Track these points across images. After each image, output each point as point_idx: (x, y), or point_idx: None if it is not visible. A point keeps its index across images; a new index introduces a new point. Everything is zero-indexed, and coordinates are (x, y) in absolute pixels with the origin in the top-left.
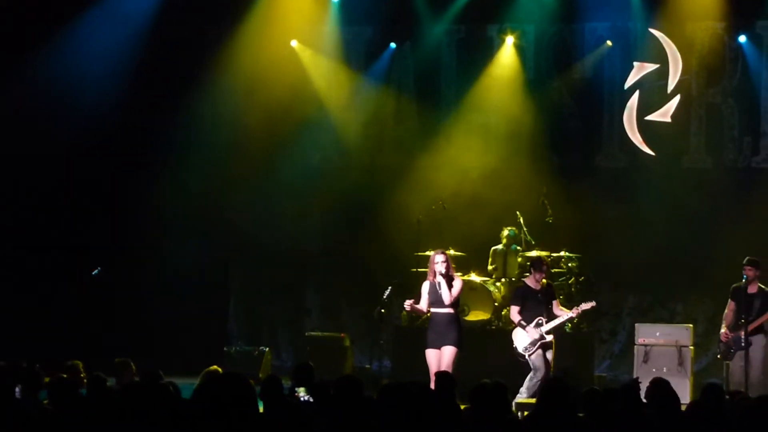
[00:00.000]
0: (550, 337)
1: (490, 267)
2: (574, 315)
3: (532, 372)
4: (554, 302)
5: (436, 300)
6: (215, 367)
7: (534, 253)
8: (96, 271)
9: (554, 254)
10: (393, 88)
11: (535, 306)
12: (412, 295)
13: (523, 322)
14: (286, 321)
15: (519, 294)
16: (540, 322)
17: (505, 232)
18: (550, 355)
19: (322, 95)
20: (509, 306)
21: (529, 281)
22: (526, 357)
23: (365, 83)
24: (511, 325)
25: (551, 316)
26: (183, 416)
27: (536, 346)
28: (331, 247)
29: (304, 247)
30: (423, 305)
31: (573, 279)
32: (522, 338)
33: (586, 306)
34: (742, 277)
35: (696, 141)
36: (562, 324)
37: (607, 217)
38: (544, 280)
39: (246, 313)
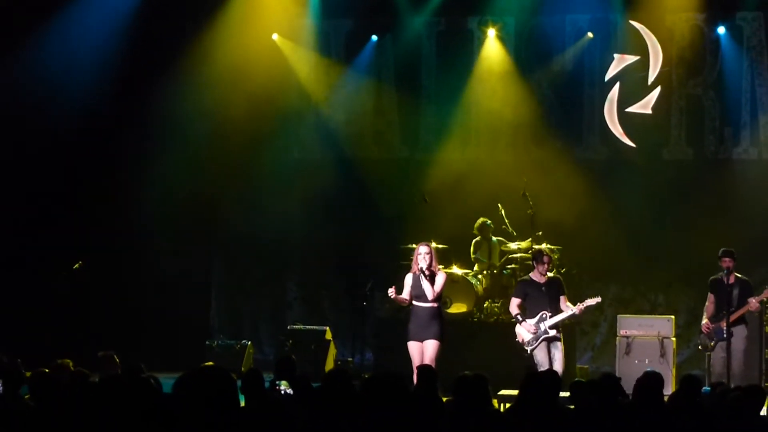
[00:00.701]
0: (553, 332)
1: (473, 256)
2: (576, 311)
3: (536, 367)
4: (562, 297)
5: (418, 293)
6: (211, 363)
7: (543, 246)
8: (77, 265)
9: (535, 246)
10: (374, 81)
11: (539, 299)
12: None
13: (519, 317)
14: (268, 314)
15: (521, 287)
16: (544, 316)
17: (477, 224)
18: (557, 351)
19: (304, 88)
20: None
21: (533, 274)
22: (528, 351)
23: (346, 76)
24: (492, 318)
25: (556, 311)
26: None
27: (539, 341)
28: (313, 240)
29: (285, 240)
30: (405, 296)
31: (554, 271)
32: (525, 332)
33: (591, 302)
34: (720, 269)
35: (676, 132)
36: (566, 320)
37: (589, 209)
38: (550, 274)
39: (228, 307)
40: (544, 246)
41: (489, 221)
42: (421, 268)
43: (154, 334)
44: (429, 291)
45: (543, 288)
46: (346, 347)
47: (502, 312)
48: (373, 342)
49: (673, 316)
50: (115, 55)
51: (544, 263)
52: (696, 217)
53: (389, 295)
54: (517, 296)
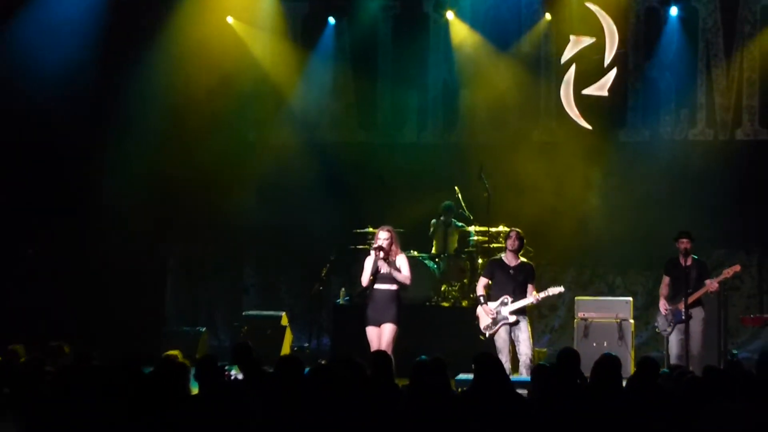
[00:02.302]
0: (513, 318)
1: (431, 234)
2: (534, 301)
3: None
4: (530, 285)
5: (380, 276)
6: (175, 351)
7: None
8: (30, 250)
9: (492, 229)
10: (331, 64)
11: (505, 283)
12: (350, 272)
13: (481, 298)
14: (223, 300)
15: (489, 267)
16: (505, 301)
17: (442, 205)
18: (521, 332)
19: (261, 71)
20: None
21: (506, 256)
22: (487, 335)
23: (304, 59)
24: (450, 302)
25: (518, 297)
26: (116, 398)
27: (498, 326)
28: (270, 225)
29: (242, 225)
30: (365, 279)
31: (525, 255)
32: (484, 315)
33: (553, 291)
34: (677, 250)
35: (633, 114)
36: (524, 307)
37: (545, 191)
38: (523, 259)
39: (183, 293)
40: (500, 228)
41: (451, 203)
42: (379, 246)
43: (108, 321)
44: (397, 273)
45: (511, 271)
46: (303, 333)
47: (460, 296)
48: (330, 327)
49: (631, 298)
50: (72, 39)
51: (510, 237)
52: (653, 199)
53: (372, 251)
54: (485, 276)
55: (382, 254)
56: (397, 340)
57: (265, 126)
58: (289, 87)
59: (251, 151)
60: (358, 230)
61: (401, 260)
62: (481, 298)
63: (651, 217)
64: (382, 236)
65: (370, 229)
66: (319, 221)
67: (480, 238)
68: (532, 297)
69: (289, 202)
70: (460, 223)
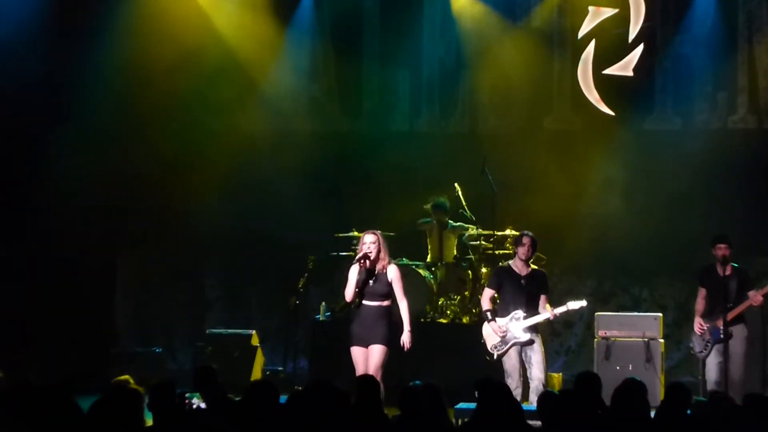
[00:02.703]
0: (526, 336)
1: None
2: (551, 317)
3: (505, 377)
4: (543, 296)
5: (368, 291)
6: (126, 376)
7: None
8: None
9: (498, 233)
10: (309, 41)
11: (515, 295)
12: (331, 283)
13: (488, 314)
14: (183, 316)
15: (496, 276)
16: (517, 316)
17: (429, 204)
18: (534, 353)
19: (225, 48)
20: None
21: (514, 263)
22: (495, 357)
23: (276, 35)
24: (448, 317)
25: (534, 311)
26: (58, 428)
27: (507, 346)
28: (236, 227)
29: (204, 226)
30: (349, 292)
31: (539, 263)
32: (492, 334)
33: (573, 306)
34: (714, 258)
35: (662, 98)
36: (539, 324)
37: (559, 188)
38: (534, 266)
39: (135, 307)
40: (507, 232)
41: (445, 200)
42: (364, 256)
43: (46, 340)
44: (382, 287)
45: (522, 281)
46: (277, 354)
47: (460, 310)
48: (309, 348)
49: (660, 314)
50: (23, 12)
51: (523, 244)
52: (686, 198)
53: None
54: (490, 287)
55: (368, 264)
56: (387, 363)
57: (232, 112)
58: (259, 67)
59: (215, 142)
60: (341, 234)
61: (392, 272)
62: (488, 313)
63: (683, 219)
64: (368, 240)
65: (355, 233)
66: (296, 224)
67: (484, 243)
68: (548, 312)
69: (259, 201)
70: (456, 223)
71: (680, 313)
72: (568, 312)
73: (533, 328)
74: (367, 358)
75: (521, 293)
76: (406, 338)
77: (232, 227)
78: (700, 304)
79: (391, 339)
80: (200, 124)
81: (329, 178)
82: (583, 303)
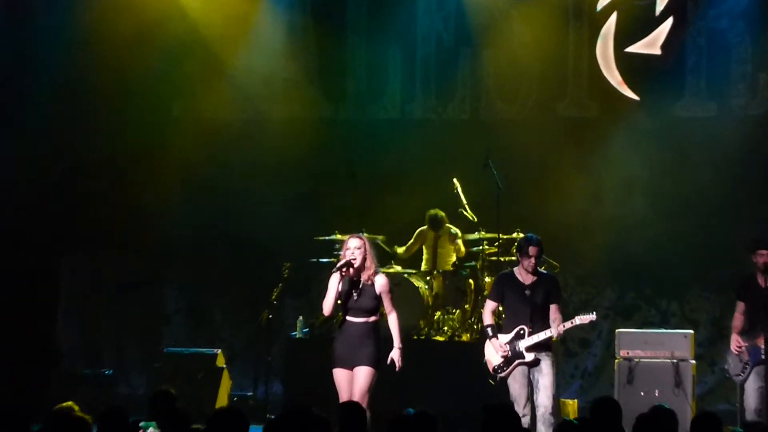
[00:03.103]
0: (531, 356)
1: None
2: (555, 334)
3: (511, 402)
4: (553, 306)
5: (352, 305)
6: (70, 402)
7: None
8: None
9: (505, 236)
10: (286, 14)
11: (520, 307)
12: (309, 295)
13: (489, 330)
14: (137, 332)
15: (498, 285)
16: (522, 332)
17: (427, 214)
18: (543, 376)
19: (189, 24)
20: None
21: (519, 270)
22: (498, 380)
23: (248, 8)
24: (445, 335)
25: (543, 325)
26: None
27: (512, 366)
28: (199, 229)
29: (163, 230)
30: (328, 305)
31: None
32: (493, 353)
33: (582, 319)
34: (755, 266)
35: (694, 80)
36: (548, 340)
37: (575, 186)
38: (542, 270)
39: (81, 320)
40: (515, 235)
41: (438, 214)
42: (347, 263)
43: None
44: (369, 302)
45: (526, 291)
46: (246, 377)
47: (459, 326)
48: (283, 369)
49: (691, 331)
50: None
51: (529, 256)
52: (722, 196)
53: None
54: (492, 299)
55: (352, 273)
56: (375, 387)
57: (195, 96)
58: (228, 44)
59: (177, 129)
60: (322, 237)
61: (380, 282)
62: (489, 330)
63: (719, 221)
64: (352, 245)
65: (338, 236)
66: (269, 225)
67: (487, 248)
68: (552, 328)
69: (227, 198)
70: (454, 230)
71: (715, 329)
72: (575, 327)
73: (542, 346)
74: (352, 382)
75: (525, 305)
76: (396, 356)
77: (196, 228)
78: (737, 319)
79: (379, 360)
80: (160, 109)
81: (308, 173)
82: (593, 316)
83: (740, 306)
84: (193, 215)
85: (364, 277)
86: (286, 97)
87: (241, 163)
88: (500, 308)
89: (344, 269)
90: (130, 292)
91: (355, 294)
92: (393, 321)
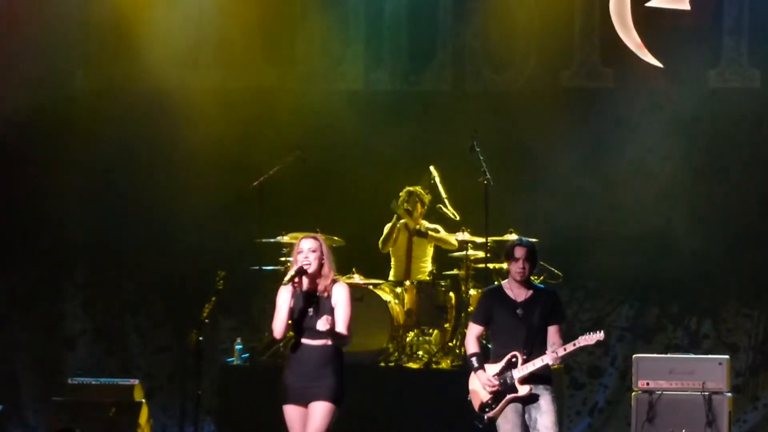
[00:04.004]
0: (525, 390)
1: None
2: (550, 361)
3: None
4: (553, 328)
5: (307, 325)
6: None
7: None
8: None
9: (495, 238)
10: None
11: (511, 329)
12: (250, 311)
13: (473, 360)
14: (33, 358)
15: (483, 304)
16: (514, 361)
17: (404, 195)
18: (542, 415)
19: None
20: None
21: (507, 284)
22: (486, 421)
23: None
24: (420, 361)
25: (536, 353)
26: None
27: (501, 404)
28: (110, 231)
29: (65, 231)
30: (279, 327)
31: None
32: (480, 387)
33: (587, 340)
34: None
35: (732, 43)
36: (548, 371)
37: (583, 175)
38: (537, 283)
39: None
40: (508, 237)
41: (421, 191)
42: (299, 271)
43: None
44: (325, 322)
45: (519, 310)
46: (170, 413)
47: (438, 351)
48: (217, 405)
49: (727, 356)
50: None
51: (516, 259)
52: (767, 185)
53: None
54: (477, 321)
55: (305, 284)
56: (335, 427)
57: (103, 62)
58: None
59: (78, 103)
60: (265, 239)
61: (338, 293)
62: (473, 359)
63: (764, 221)
64: (305, 247)
65: (285, 239)
66: (198, 225)
67: (473, 253)
68: (548, 354)
69: (144, 192)
70: (431, 225)
71: (758, 355)
72: (579, 349)
73: (539, 378)
74: (306, 421)
75: (518, 327)
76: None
77: (105, 231)
78: None
79: (340, 393)
80: (56, 79)
81: (247, 159)
82: (600, 335)
83: None
84: (102, 214)
85: (320, 287)
86: (216, 62)
87: (160, 146)
88: (484, 333)
89: (296, 280)
90: (24, 310)
91: (309, 310)
92: (341, 334)
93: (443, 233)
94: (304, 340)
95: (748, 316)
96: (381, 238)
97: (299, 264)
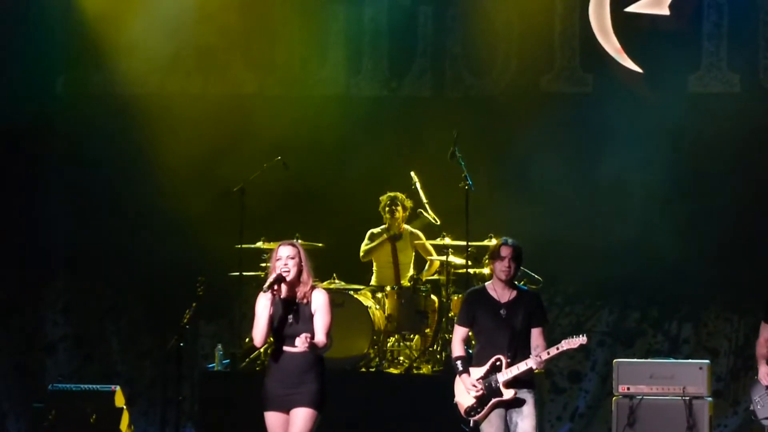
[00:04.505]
0: (509, 394)
1: (363, 250)
2: (534, 365)
3: None
4: (536, 330)
5: (287, 332)
6: None
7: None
8: None
9: (476, 243)
10: None
11: (494, 332)
12: (230, 317)
13: (459, 363)
14: (13, 365)
15: (466, 306)
16: (498, 364)
17: (385, 200)
18: (524, 419)
19: None
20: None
21: (491, 285)
22: (472, 424)
23: None
24: (401, 366)
25: (520, 355)
26: None
27: (486, 408)
28: (90, 236)
29: (44, 235)
30: (260, 334)
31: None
32: (464, 392)
33: (569, 345)
34: None
35: (712, 47)
36: (530, 374)
37: (563, 180)
38: (520, 286)
39: None
40: (489, 242)
41: (403, 197)
42: (277, 279)
43: None
44: (302, 338)
45: (502, 311)
46: (151, 419)
47: (420, 356)
48: (198, 411)
49: (708, 361)
50: None
51: (502, 257)
52: (748, 193)
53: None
54: (462, 323)
55: (284, 291)
56: None
57: (84, 66)
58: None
59: (58, 110)
60: (244, 245)
61: (318, 300)
62: (458, 363)
63: (745, 226)
64: (284, 254)
65: (263, 245)
66: (179, 230)
67: (454, 260)
68: (533, 357)
69: (123, 198)
70: (414, 230)
71: (738, 360)
72: (562, 354)
73: (523, 382)
74: (288, 427)
75: (501, 328)
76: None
77: (85, 237)
78: (762, 347)
79: (321, 399)
80: (40, 84)
81: (227, 164)
82: (583, 339)
83: (766, 330)
84: (82, 219)
85: (299, 294)
86: (197, 68)
87: (141, 151)
88: (471, 334)
89: (275, 287)
90: (4, 316)
91: (289, 317)
92: (320, 340)
93: (425, 244)
94: (285, 348)
95: (728, 320)
96: (364, 249)
97: (278, 271)
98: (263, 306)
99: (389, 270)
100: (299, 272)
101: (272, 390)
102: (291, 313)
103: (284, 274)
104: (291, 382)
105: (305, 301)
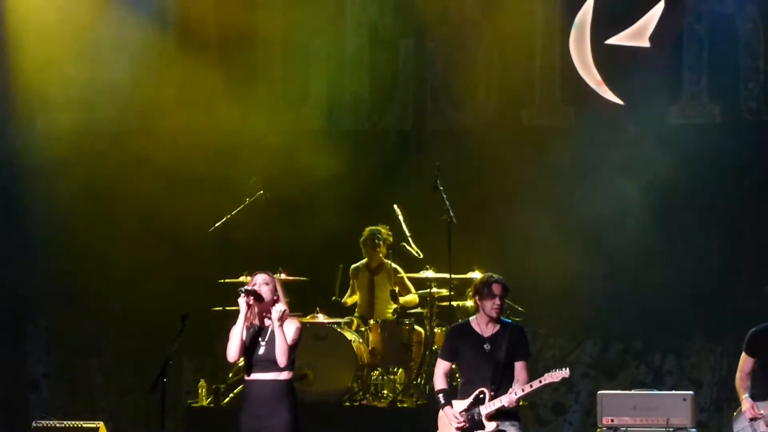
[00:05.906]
0: (491, 427)
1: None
2: (506, 402)
3: None
4: (519, 364)
5: (257, 358)
6: None
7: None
8: None
9: (459, 276)
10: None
11: (479, 365)
12: (213, 350)
13: (440, 396)
14: None
15: (450, 340)
16: (482, 397)
17: (367, 233)
18: None
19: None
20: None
21: (476, 320)
22: None
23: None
24: (385, 400)
25: (504, 388)
26: None
27: None
28: (72, 272)
29: (26, 270)
30: (233, 350)
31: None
32: (447, 426)
33: (551, 378)
34: None
35: (692, 78)
36: (515, 407)
37: (546, 213)
38: (504, 319)
39: None
40: (472, 275)
41: (385, 231)
42: (249, 291)
43: None
44: (279, 348)
45: (486, 345)
46: None
47: (403, 389)
48: None
49: (691, 392)
50: None
51: (494, 296)
52: (729, 224)
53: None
54: (444, 357)
55: (256, 309)
56: None
57: (64, 108)
58: (101, 45)
59: (37, 148)
60: (227, 280)
61: (289, 328)
62: (441, 396)
63: (726, 257)
64: (259, 280)
65: (246, 279)
66: (162, 265)
67: (437, 292)
68: (506, 395)
69: (104, 235)
70: (393, 266)
71: (722, 390)
72: (543, 387)
73: (506, 414)
74: None
75: (485, 362)
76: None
77: (67, 274)
78: (742, 379)
79: (295, 429)
80: (19, 123)
81: (208, 197)
82: (565, 372)
83: (747, 361)
84: (62, 255)
85: (273, 321)
86: (180, 103)
87: (122, 186)
88: (454, 367)
89: (250, 299)
90: None
91: (261, 342)
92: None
93: (405, 281)
94: (255, 375)
95: (711, 352)
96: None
97: (250, 287)
98: (238, 328)
99: (368, 301)
100: (274, 300)
101: (245, 423)
102: (263, 338)
103: (259, 292)
104: (263, 413)
105: (280, 326)
